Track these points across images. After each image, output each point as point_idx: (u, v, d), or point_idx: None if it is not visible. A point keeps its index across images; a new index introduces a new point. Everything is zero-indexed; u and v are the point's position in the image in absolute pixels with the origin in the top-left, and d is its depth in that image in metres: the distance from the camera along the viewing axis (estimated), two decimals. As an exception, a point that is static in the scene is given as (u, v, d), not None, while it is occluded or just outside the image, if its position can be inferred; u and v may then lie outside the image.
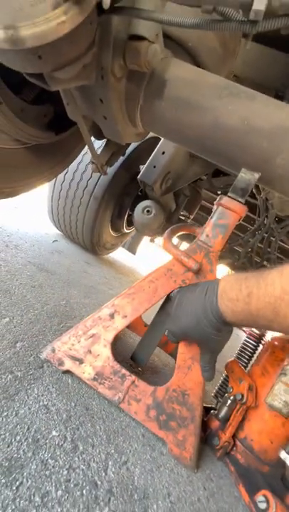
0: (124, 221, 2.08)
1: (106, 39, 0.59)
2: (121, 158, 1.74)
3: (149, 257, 3.94)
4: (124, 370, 0.65)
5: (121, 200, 1.92)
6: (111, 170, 1.74)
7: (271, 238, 1.76)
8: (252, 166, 0.73)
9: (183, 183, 1.73)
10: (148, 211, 1.76)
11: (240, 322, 0.58)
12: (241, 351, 0.87)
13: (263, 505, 0.58)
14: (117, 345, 0.95)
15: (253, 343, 0.86)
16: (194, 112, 0.73)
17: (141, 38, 0.61)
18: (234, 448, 0.71)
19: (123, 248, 2.90)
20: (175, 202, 1.93)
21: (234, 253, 2.01)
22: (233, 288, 0.57)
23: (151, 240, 2.50)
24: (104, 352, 0.66)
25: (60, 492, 0.38)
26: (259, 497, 0.59)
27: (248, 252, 1.81)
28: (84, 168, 1.74)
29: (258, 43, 1.11)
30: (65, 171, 1.77)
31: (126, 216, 2.04)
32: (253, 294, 0.53)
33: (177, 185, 1.72)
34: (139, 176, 1.57)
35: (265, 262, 1.87)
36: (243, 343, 0.88)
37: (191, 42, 0.78)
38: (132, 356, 0.84)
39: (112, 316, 0.70)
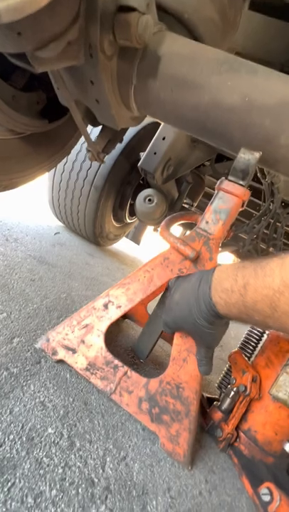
0: (127, 211, 2.04)
1: (92, 11, 0.55)
2: (120, 146, 1.70)
3: (153, 247, 3.91)
4: (116, 361, 0.64)
5: (122, 189, 1.88)
6: (110, 158, 1.70)
7: (277, 224, 1.70)
8: (254, 147, 0.68)
9: (185, 170, 1.67)
10: (150, 200, 1.72)
11: (234, 316, 0.53)
12: (245, 341, 0.85)
13: (266, 498, 0.57)
14: (119, 337, 0.94)
15: (258, 333, 0.84)
16: (191, 91, 0.68)
17: (131, 9, 0.56)
18: (237, 439, 0.70)
19: (127, 238, 2.87)
20: (177, 190, 1.88)
21: (239, 240, 1.96)
22: (229, 277, 0.53)
23: (155, 230, 2.47)
24: (97, 342, 0.65)
25: (54, 492, 0.38)
26: (263, 489, 0.58)
27: (253, 238, 1.76)
28: (83, 157, 1.69)
29: (260, 13, 1.02)
30: (64, 161, 1.73)
31: (128, 206, 2.00)
32: (250, 285, 0.48)
33: (179, 172, 1.67)
34: (139, 164, 1.52)
35: (271, 249, 1.82)
36: (248, 333, 0.86)
37: (186, 13, 0.72)
38: (133, 349, 0.83)
39: (106, 306, 0.68)
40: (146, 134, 1.75)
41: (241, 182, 0.69)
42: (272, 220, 1.66)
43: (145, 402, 0.61)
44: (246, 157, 0.67)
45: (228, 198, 0.71)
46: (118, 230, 2.24)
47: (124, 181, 1.86)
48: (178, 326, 0.62)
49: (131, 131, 1.75)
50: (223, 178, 0.71)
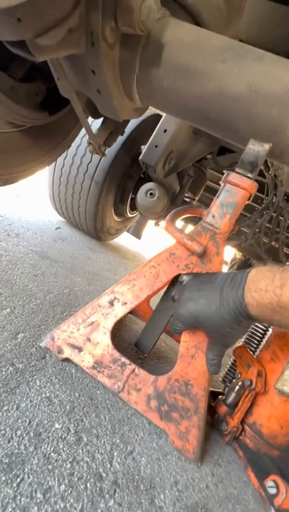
0: (128, 205, 2.03)
1: (93, -4, 0.53)
2: (120, 139, 1.67)
3: (154, 241, 3.90)
4: (124, 359, 0.63)
5: (123, 183, 1.86)
6: (111, 152, 1.67)
7: (280, 218, 1.68)
8: (261, 138, 0.66)
9: (187, 163, 1.65)
10: (151, 194, 1.70)
11: (266, 317, 0.53)
12: (250, 336, 0.85)
13: (272, 491, 0.57)
14: (122, 331, 0.94)
15: (263, 327, 0.83)
16: (195, 79, 0.66)
17: (133, -6, 0.54)
18: (243, 433, 0.70)
19: (128, 233, 2.86)
20: (179, 183, 1.86)
21: (241, 234, 1.95)
22: (265, 278, 0.52)
23: (156, 224, 2.45)
24: (104, 340, 0.64)
25: (63, 487, 0.37)
26: (269, 482, 0.59)
27: (256, 232, 1.74)
28: (83, 151, 1.67)
29: None
30: (64, 155, 1.71)
31: (129, 200, 1.98)
32: (287, 287, 0.48)
33: (181, 165, 1.65)
34: (140, 157, 1.50)
35: (273, 243, 1.81)
36: (252, 328, 0.85)
37: None
38: (137, 343, 0.82)
39: (111, 303, 0.68)
40: (148, 127, 1.72)
41: (249, 174, 0.68)
42: (275, 213, 1.65)
43: (154, 399, 0.61)
44: (256, 148, 0.65)
45: (235, 191, 0.69)
46: (119, 225, 2.23)
47: (125, 175, 1.84)
48: (196, 320, 0.60)
49: (132, 124, 1.72)
50: (230, 170, 0.70)
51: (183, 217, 0.81)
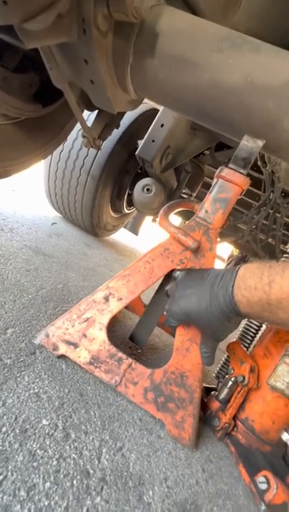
0: (125, 201, 2.01)
1: (84, -20, 0.51)
2: (117, 134, 1.65)
3: (152, 237, 3.88)
4: (120, 354, 0.63)
5: (120, 178, 1.84)
6: (108, 147, 1.65)
7: (277, 214, 1.68)
8: (256, 131, 0.65)
9: (184, 158, 1.63)
10: (148, 189, 1.69)
11: (255, 314, 0.53)
12: (244, 332, 0.84)
13: (263, 486, 0.57)
14: (116, 326, 0.93)
15: (256, 323, 0.83)
16: (191, 70, 0.64)
17: (126, -21, 0.53)
18: (235, 429, 0.70)
19: (125, 229, 2.84)
20: (176, 179, 1.84)
21: (238, 231, 1.94)
22: (253, 275, 0.52)
23: (153, 220, 2.44)
24: (100, 335, 0.64)
25: (48, 484, 0.37)
26: (260, 478, 0.59)
27: (253, 229, 1.74)
28: (80, 145, 1.65)
29: None
30: (60, 149, 1.68)
31: (126, 196, 1.97)
32: (275, 283, 0.48)
33: (178, 161, 1.63)
34: (137, 152, 1.49)
35: (270, 240, 1.80)
36: (246, 324, 0.85)
37: None
38: (131, 337, 0.82)
39: (106, 299, 0.67)
40: (144, 121, 1.70)
41: (242, 170, 0.67)
42: (272, 210, 1.64)
43: (150, 392, 0.62)
44: (249, 145, 0.64)
45: (228, 187, 0.68)
46: (116, 221, 2.21)
47: (121, 170, 1.82)
48: (188, 317, 0.60)
49: (128, 118, 1.70)
50: (223, 166, 0.69)
51: (176, 211, 0.80)
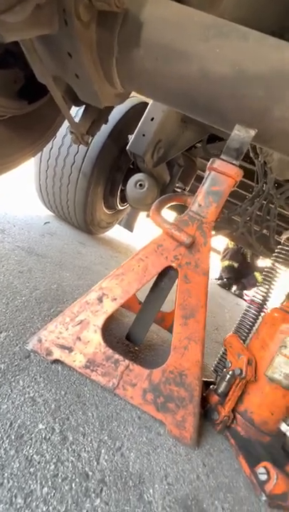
0: (118, 197, 1.99)
1: None
2: (106, 129, 1.62)
3: (147, 233, 3.87)
4: (117, 355, 0.62)
5: (112, 175, 1.82)
6: (98, 143, 1.63)
7: (270, 205, 1.67)
8: (247, 121, 0.64)
9: (176, 152, 1.61)
10: (141, 185, 1.67)
11: None
12: (240, 324, 0.84)
13: (263, 477, 0.57)
14: (112, 325, 0.92)
15: (253, 315, 0.83)
16: (178, 61, 0.62)
17: None
18: (234, 421, 0.70)
19: (120, 226, 2.82)
20: (169, 173, 1.82)
21: (232, 223, 1.94)
22: None
23: (148, 216, 2.41)
24: (95, 338, 0.63)
25: (45, 489, 0.36)
26: (260, 469, 0.59)
27: (247, 221, 1.73)
28: (70, 142, 1.62)
29: None
30: (49, 147, 1.65)
31: (119, 192, 1.94)
32: None
33: (170, 155, 1.61)
34: (128, 147, 1.46)
35: (264, 231, 1.80)
36: (242, 316, 0.85)
37: None
38: (128, 336, 0.81)
39: (100, 299, 0.66)
40: (134, 116, 1.67)
41: (234, 161, 0.66)
42: (266, 201, 1.63)
43: (150, 392, 0.61)
44: (241, 134, 0.63)
45: (221, 179, 0.67)
46: (110, 218, 2.19)
47: (113, 166, 1.79)
48: None
49: (117, 113, 1.67)
50: (215, 157, 0.68)
51: (169, 205, 0.79)
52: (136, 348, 0.86)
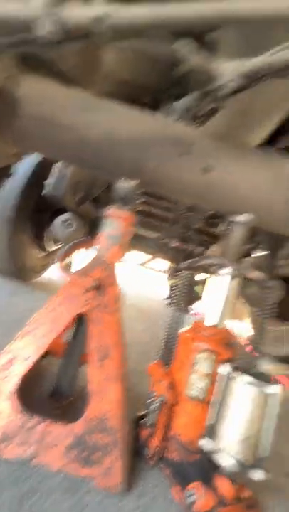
0: (49, 239, 1.97)
1: None
2: (24, 175, 1.64)
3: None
4: (34, 418, 0.59)
5: (35, 218, 1.81)
6: (16, 189, 1.63)
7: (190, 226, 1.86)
8: (129, 175, 0.74)
9: (98, 190, 1.70)
10: (69, 224, 1.69)
11: None
12: (164, 347, 0.87)
13: (192, 499, 0.59)
14: (40, 376, 0.88)
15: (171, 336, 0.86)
16: (59, 130, 0.70)
17: None
18: (167, 449, 0.72)
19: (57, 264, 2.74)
20: (96, 208, 1.89)
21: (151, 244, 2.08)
22: None
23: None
24: (7, 406, 0.59)
25: None
26: (188, 491, 0.61)
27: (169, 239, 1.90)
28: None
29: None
30: None
31: (47, 233, 1.93)
32: None
33: (92, 194, 1.68)
34: (45, 192, 1.49)
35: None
36: (165, 336, 0.88)
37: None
38: (55, 391, 0.79)
39: (10, 362, 0.64)
40: (52, 160, 1.73)
41: (125, 208, 0.74)
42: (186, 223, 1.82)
43: (73, 449, 0.59)
44: (123, 186, 0.73)
45: (117, 224, 0.75)
46: (44, 260, 2.14)
47: (35, 210, 1.79)
48: None
49: (36, 157, 1.71)
50: (110, 206, 0.76)
51: (74, 252, 0.83)
52: (69, 400, 0.83)
